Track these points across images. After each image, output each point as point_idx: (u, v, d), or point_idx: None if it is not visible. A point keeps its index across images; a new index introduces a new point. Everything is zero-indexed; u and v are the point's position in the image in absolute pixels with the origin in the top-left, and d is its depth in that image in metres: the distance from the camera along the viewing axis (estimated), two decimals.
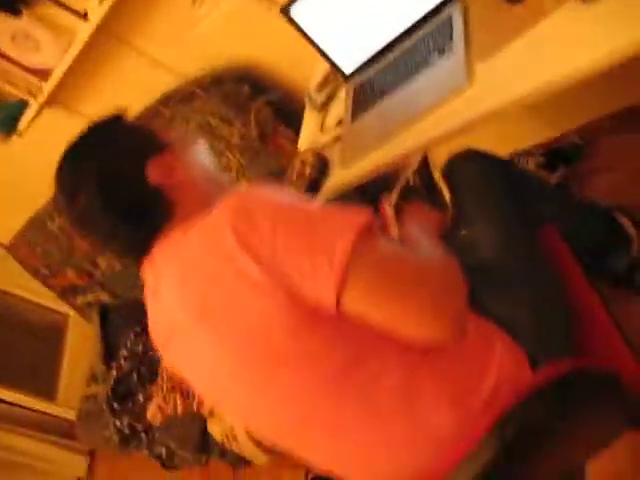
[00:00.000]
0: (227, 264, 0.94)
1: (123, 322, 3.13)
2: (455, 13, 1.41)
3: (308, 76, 1.87)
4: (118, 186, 1.10)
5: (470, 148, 1.32)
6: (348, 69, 1.64)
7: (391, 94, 1.46)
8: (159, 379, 2.50)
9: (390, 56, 1.55)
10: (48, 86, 2.10)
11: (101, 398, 2.98)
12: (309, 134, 1.74)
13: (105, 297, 3.27)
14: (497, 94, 1.22)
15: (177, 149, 1.17)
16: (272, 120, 2.05)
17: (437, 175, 1.34)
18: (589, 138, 2.06)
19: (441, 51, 1.37)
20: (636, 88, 1.90)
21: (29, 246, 3.14)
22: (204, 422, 2.30)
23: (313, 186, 1.59)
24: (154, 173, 1.10)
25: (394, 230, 1.35)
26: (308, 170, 1.59)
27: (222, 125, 2.02)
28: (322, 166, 1.60)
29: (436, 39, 1.42)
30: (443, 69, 1.35)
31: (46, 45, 1.95)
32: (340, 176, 1.51)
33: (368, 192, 1.57)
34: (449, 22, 1.40)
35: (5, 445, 3.60)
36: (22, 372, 3.66)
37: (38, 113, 2.29)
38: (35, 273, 3.31)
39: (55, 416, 3.80)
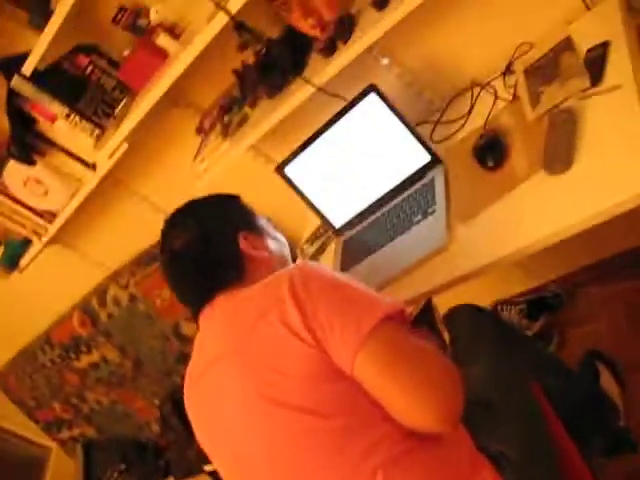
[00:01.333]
0: (276, 305, 1.07)
1: (107, 458, 3.08)
2: (437, 177, 1.54)
3: (301, 228, 1.99)
4: (213, 239, 1.28)
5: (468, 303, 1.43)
6: (338, 223, 1.75)
7: (377, 251, 1.56)
8: None
9: (377, 213, 1.66)
10: (53, 228, 2.20)
11: None
12: None
13: (90, 432, 3.24)
14: (474, 256, 1.32)
15: (267, 236, 1.37)
16: None
17: (438, 317, 1.40)
18: (569, 287, 2.16)
19: (424, 213, 1.48)
20: (612, 242, 2.01)
21: (17, 377, 3.15)
22: None
23: None
24: (243, 242, 1.29)
25: None
26: None
27: None
28: None
29: (419, 200, 1.53)
30: (426, 229, 1.46)
31: (54, 190, 2.07)
32: None
33: None
34: (431, 185, 1.53)
35: None
36: None
37: (40, 251, 2.38)
38: (21, 405, 3.29)
39: None
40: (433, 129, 1.68)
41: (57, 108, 1.79)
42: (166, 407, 2.73)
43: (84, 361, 2.79)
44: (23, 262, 2.43)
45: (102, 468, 3.09)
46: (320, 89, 1.49)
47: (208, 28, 1.39)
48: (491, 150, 1.42)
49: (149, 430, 2.96)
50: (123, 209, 2.35)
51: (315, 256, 1.82)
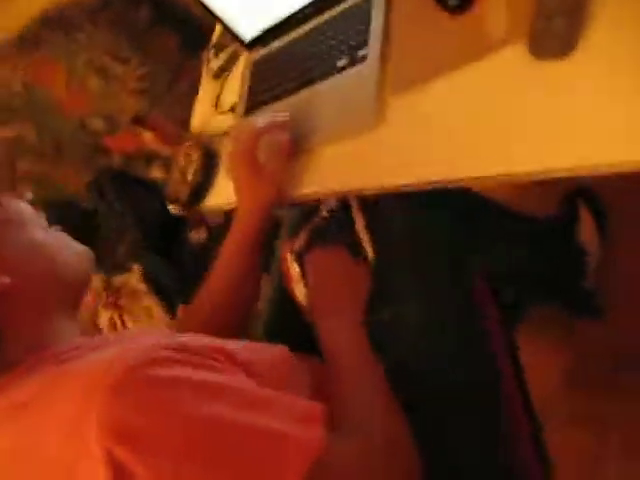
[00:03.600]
0: (81, 458, 0.56)
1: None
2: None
3: None
4: None
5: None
6: (247, 35, 1.24)
7: (290, 97, 1.09)
8: None
9: (295, 33, 1.15)
10: None
11: None
12: (204, 109, 1.37)
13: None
14: (401, 164, 0.87)
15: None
16: (179, 55, 1.64)
17: (359, 224, 1.01)
18: None
19: (352, 57, 0.99)
20: None
21: None
22: None
23: (197, 193, 1.26)
24: None
25: (299, 289, 1.04)
26: (191, 173, 1.25)
27: (114, 64, 1.62)
28: (209, 165, 1.26)
29: (347, 32, 1.02)
30: (350, 87, 0.97)
31: None
32: (227, 192, 1.17)
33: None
34: (367, 10, 1.00)
35: None
36: None
37: None
38: None
39: None
40: None
41: None
42: (100, 181, 2.42)
43: None
44: None
45: None
46: None
47: None
48: None
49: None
50: None
51: (222, 71, 1.34)
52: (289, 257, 1.06)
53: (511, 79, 0.77)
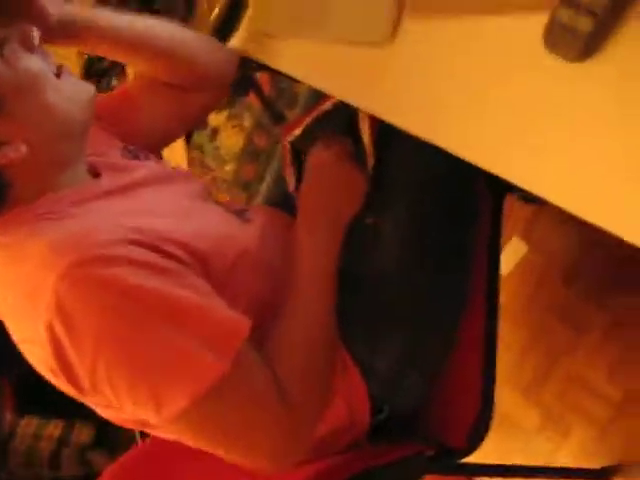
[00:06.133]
0: (36, 330, 0.67)
1: None
2: None
3: None
4: None
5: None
6: None
7: None
8: None
9: None
10: None
11: None
12: None
13: None
14: (396, 99, 0.81)
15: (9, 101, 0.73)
16: None
17: (365, 128, 0.96)
18: None
19: None
20: None
21: None
22: None
23: (222, 29, 1.18)
24: None
25: (289, 176, 1.05)
26: (216, 11, 1.17)
27: None
28: (235, 3, 1.17)
29: None
30: None
31: None
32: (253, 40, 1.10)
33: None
34: None
35: None
36: None
37: None
38: None
39: None
40: None
41: None
42: None
43: None
44: None
45: None
46: None
47: None
48: None
49: None
50: None
51: None
52: (287, 142, 1.03)
53: (521, 53, 0.67)
